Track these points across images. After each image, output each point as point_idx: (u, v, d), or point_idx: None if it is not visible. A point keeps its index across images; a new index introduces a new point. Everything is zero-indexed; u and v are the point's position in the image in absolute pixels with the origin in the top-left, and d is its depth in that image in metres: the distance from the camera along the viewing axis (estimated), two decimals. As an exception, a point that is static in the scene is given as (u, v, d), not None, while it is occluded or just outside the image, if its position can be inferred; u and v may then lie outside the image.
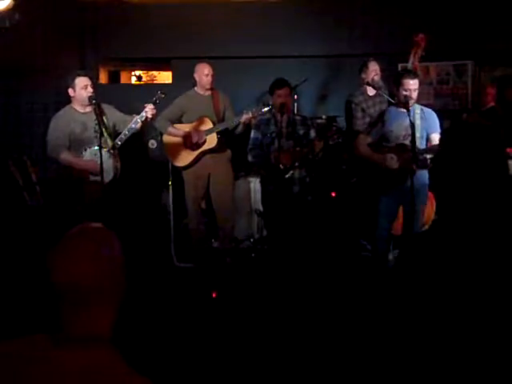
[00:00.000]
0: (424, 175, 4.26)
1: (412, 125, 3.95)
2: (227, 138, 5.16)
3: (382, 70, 5.31)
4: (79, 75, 4.45)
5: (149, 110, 4.43)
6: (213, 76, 5.07)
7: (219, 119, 5.10)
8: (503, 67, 6.15)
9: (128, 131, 4.43)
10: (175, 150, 5.10)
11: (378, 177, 4.33)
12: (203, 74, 5.04)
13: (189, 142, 5.04)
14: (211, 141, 5.02)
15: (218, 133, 5.01)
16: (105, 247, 1.28)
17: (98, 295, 1.25)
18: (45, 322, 1.29)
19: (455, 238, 1.85)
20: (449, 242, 1.85)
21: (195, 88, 5.15)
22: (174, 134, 5.08)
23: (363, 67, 5.29)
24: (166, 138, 5.14)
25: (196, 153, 5.06)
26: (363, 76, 5.30)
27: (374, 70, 5.23)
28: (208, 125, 5.03)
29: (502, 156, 1.84)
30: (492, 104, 5.54)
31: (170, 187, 5.39)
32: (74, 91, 4.40)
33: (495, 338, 1.80)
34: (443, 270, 1.87)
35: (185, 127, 5.08)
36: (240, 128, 5.04)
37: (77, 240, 1.28)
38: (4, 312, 3.47)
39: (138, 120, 4.43)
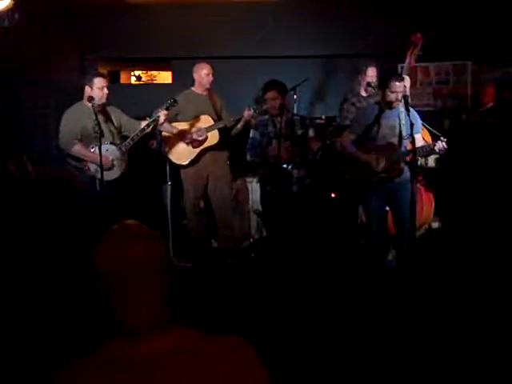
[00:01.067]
0: (407, 171, 4.27)
1: (412, 124, 3.94)
2: (225, 138, 5.17)
3: (381, 71, 5.33)
4: (98, 75, 4.66)
5: (162, 116, 4.61)
6: (212, 75, 5.09)
7: (218, 118, 5.12)
8: (503, 67, 6.15)
9: (140, 132, 4.61)
10: (176, 148, 5.11)
11: (365, 176, 4.33)
12: (203, 73, 5.06)
13: (190, 140, 5.05)
14: (213, 138, 5.03)
15: (218, 130, 5.04)
16: (149, 239, 1.30)
17: (154, 279, 1.25)
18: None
19: (463, 236, 1.85)
20: (457, 238, 1.85)
21: (192, 88, 5.16)
22: (169, 130, 5.08)
23: (362, 70, 5.33)
24: (166, 137, 5.15)
25: (198, 150, 5.08)
26: (359, 78, 5.37)
27: (370, 77, 5.29)
28: (209, 122, 5.04)
29: (510, 153, 1.84)
30: (491, 104, 5.54)
31: (169, 187, 5.40)
32: (92, 90, 4.53)
33: (495, 338, 1.81)
34: (448, 269, 1.87)
35: (183, 125, 5.09)
36: (239, 126, 5.06)
37: (125, 230, 1.31)
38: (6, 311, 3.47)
39: (151, 124, 4.61)
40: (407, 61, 5.00)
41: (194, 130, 5.05)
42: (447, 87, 6.35)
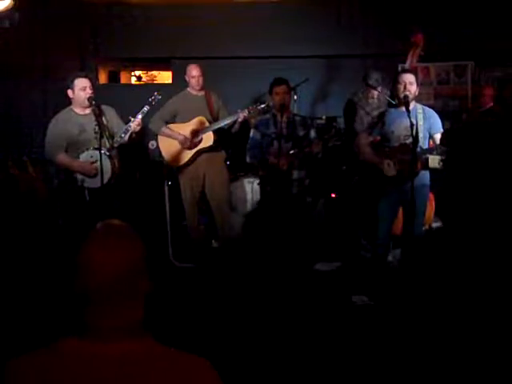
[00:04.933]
0: (424, 175, 4.24)
1: (412, 125, 3.91)
2: (223, 138, 5.16)
3: (381, 71, 5.33)
4: (78, 76, 4.42)
5: (133, 125, 4.40)
6: (201, 77, 5.07)
7: (214, 119, 5.10)
8: (503, 67, 6.15)
9: (120, 139, 4.42)
10: (171, 149, 5.11)
11: (377, 179, 4.30)
12: (191, 75, 5.07)
13: (184, 142, 5.04)
14: (207, 139, 5.02)
15: (214, 132, 5.03)
16: (132, 240, 1.31)
17: (131, 288, 1.26)
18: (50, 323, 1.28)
19: (467, 237, 1.83)
20: (460, 241, 1.84)
21: (188, 88, 5.16)
22: (170, 135, 5.08)
23: (367, 81, 5.29)
24: (161, 138, 5.15)
25: (192, 152, 5.07)
26: (364, 87, 5.35)
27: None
28: (204, 123, 5.04)
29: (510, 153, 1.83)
30: (491, 104, 5.54)
31: (166, 188, 5.39)
32: (73, 93, 4.38)
33: (498, 340, 1.80)
34: (448, 269, 1.86)
35: (179, 127, 5.08)
36: (236, 127, 5.04)
37: (107, 238, 1.30)
38: (3, 313, 3.47)
39: (123, 135, 4.41)
40: (408, 61, 4.98)
41: (188, 131, 5.04)
42: (448, 87, 6.34)
